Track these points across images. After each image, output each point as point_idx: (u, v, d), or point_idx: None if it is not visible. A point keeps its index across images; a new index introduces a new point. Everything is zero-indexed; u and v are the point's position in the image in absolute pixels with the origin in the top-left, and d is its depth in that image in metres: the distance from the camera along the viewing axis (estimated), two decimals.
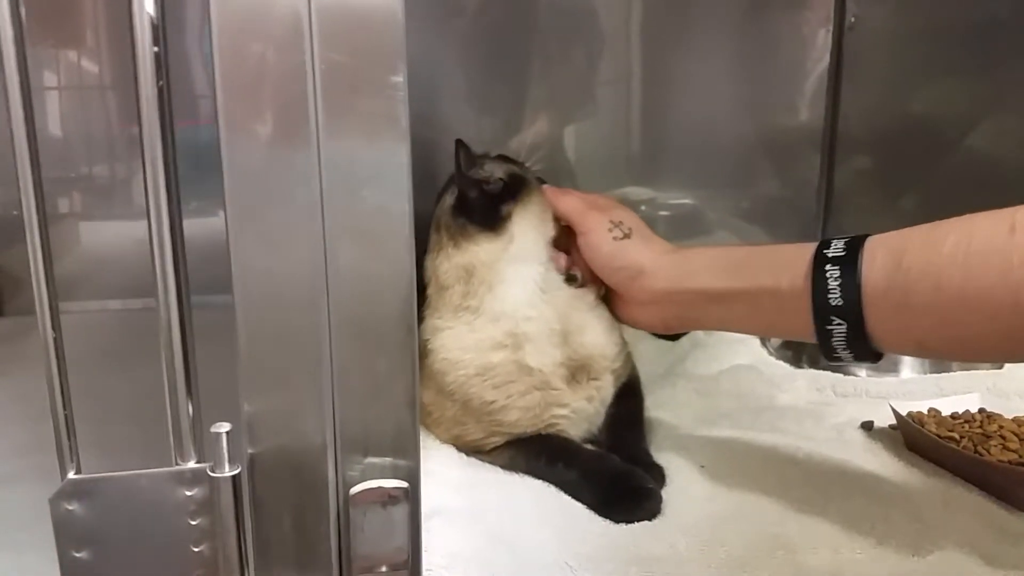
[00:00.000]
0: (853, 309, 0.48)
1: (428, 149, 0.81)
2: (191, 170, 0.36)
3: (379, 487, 0.36)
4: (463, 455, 0.63)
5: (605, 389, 0.65)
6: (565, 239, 0.65)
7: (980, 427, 0.64)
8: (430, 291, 0.64)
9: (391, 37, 0.33)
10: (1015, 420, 0.65)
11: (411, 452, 0.37)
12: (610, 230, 0.61)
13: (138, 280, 0.37)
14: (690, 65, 0.98)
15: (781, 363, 0.82)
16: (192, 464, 0.36)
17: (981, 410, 0.68)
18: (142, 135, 0.33)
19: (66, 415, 0.35)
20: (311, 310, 0.35)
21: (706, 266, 0.58)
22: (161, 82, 0.32)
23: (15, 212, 0.32)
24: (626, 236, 0.61)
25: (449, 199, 0.66)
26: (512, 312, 0.62)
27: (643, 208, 0.98)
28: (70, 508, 0.35)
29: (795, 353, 0.84)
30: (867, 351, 0.49)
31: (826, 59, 0.98)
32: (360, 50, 0.33)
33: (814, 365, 0.81)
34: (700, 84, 0.99)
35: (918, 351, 0.54)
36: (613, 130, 1.00)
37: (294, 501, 0.36)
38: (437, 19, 0.90)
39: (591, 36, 0.96)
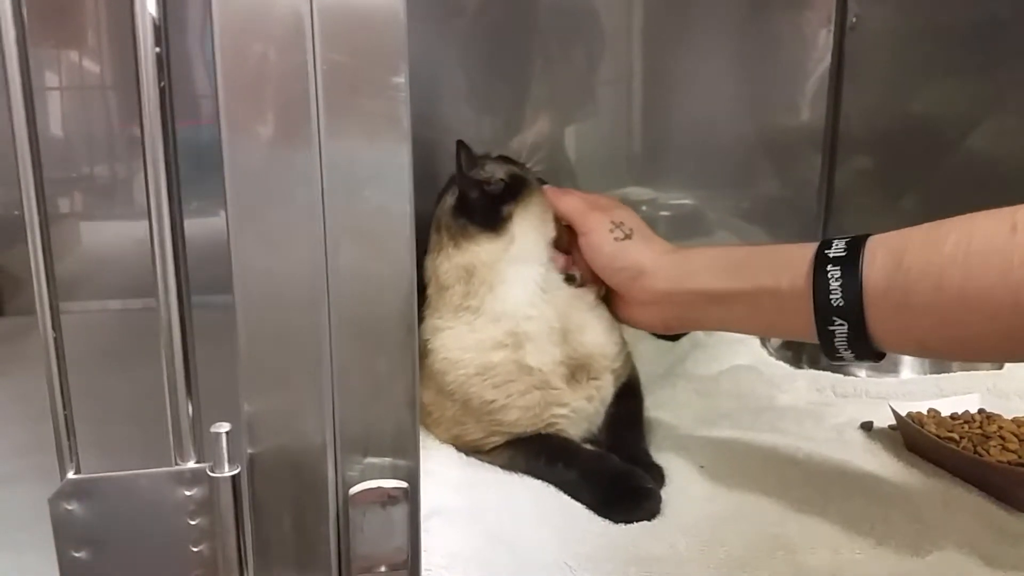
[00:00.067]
0: (854, 309, 0.48)
1: (428, 149, 0.81)
2: (192, 170, 0.36)
3: (379, 487, 0.36)
4: (463, 455, 0.63)
5: (605, 389, 0.65)
6: (566, 239, 0.65)
7: (980, 428, 0.65)
8: (430, 291, 0.64)
9: (393, 37, 0.33)
10: (1015, 421, 0.65)
11: (411, 452, 0.37)
12: (611, 230, 0.61)
13: (139, 280, 0.37)
14: (691, 65, 0.98)
15: (781, 363, 0.82)
16: (192, 464, 0.36)
17: (981, 411, 0.68)
18: (143, 135, 0.33)
19: (66, 415, 0.35)
20: (311, 310, 0.35)
21: (706, 266, 0.58)
22: (163, 82, 0.32)
23: (16, 212, 0.33)
24: (627, 236, 0.61)
25: (450, 199, 0.66)
26: (513, 312, 0.62)
27: (644, 208, 0.98)
28: (69, 508, 0.35)
29: (795, 353, 0.84)
30: (868, 351, 0.49)
31: (827, 59, 0.98)
32: (361, 50, 0.33)
33: (814, 365, 0.81)
34: (701, 84, 0.99)
35: (919, 351, 0.54)
36: (614, 130, 1.00)
37: (294, 501, 0.36)
38: (438, 19, 0.90)
39: (592, 36, 0.96)
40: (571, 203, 0.64)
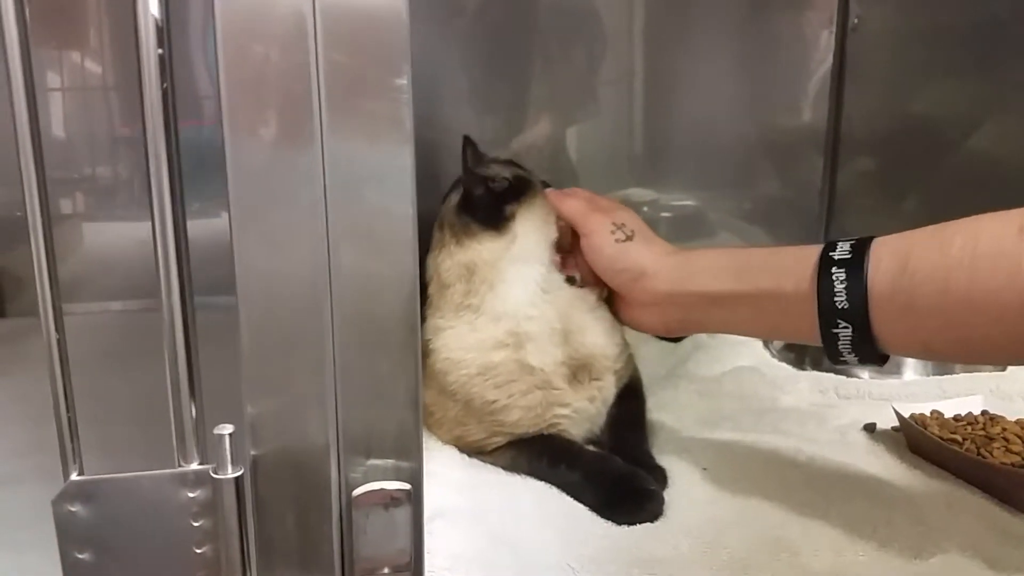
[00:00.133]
0: (859, 312, 0.47)
1: (429, 149, 0.81)
2: (195, 171, 0.36)
3: (382, 489, 0.36)
4: (465, 456, 0.63)
5: (607, 389, 0.65)
6: (568, 241, 0.65)
7: (983, 429, 0.64)
8: (431, 290, 0.64)
9: (395, 38, 0.33)
10: (1018, 422, 0.65)
11: (414, 454, 0.37)
12: (612, 232, 0.61)
13: (141, 281, 0.37)
14: (692, 66, 0.98)
15: (784, 365, 0.82)
16: (195, 466, 0.36)
17: (984, 412, 0.68)
18: (146, 136, 0.33)
19: (69, 416, 0.35)
20: (314, 311, 0.35)
21: (708, 268, 0.57)
22: (165, 83, 0.32)
23: (18, 213, 0.32)
24: (628, 238, 0.61)
25: (454, 197, 0.66)
26: (513, 311, 0.62)
27: (645, 209, 0.98)
28: (73, 509, 0.35)
29: (798, 355, 0.83)
30: (873, 354, 0.49)
31: (829, 60, 0.98)
32: (364, 51, 0.33)
33: (817, 367, 0.81)
34: (703, 85, 0.99)
35: (924, 353, 0.54)
36: (615, 131, 1.00)
37: (297, 503, 0.36)
38: (439, 20, 0.90)
39: (593, 36, 0.96)
40: (572, 205, 0.64)
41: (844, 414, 0.71)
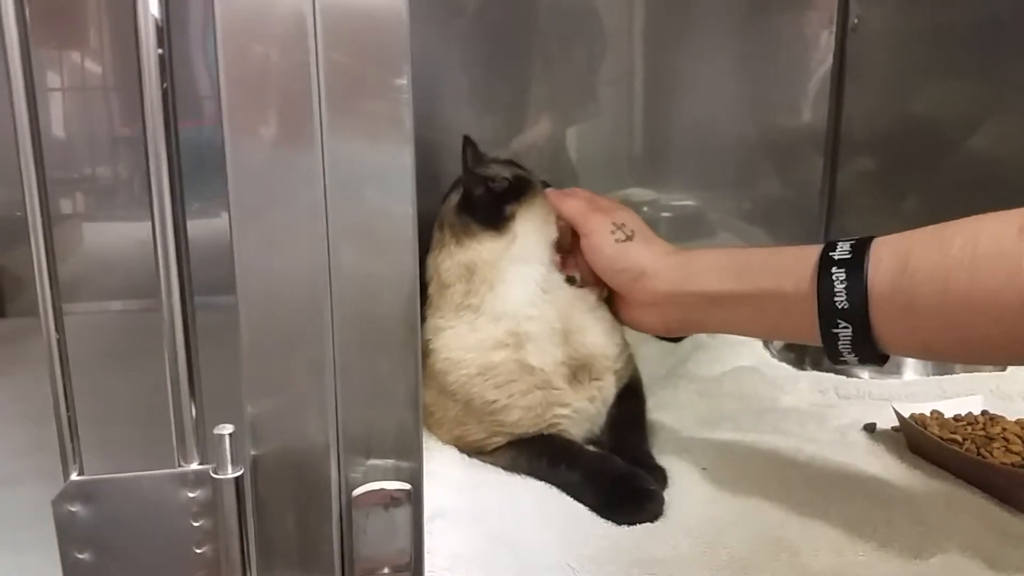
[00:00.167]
0: (859, 312, 0.47)
1: (429, 149, 0.81)
2: (194, 171, 0.36)
3: (382, 489, 0.36)
4: (465, 456, 0.63)
5: (607, 389, 0.65)
6: (568, 241, 0.65)
7: (983, 429, 0.64)
8: (431, 290, 0.64)
9: (395, 38, 0.33)
10: (1018, 422, 0.65)
11: (414, 454, 0.37)
12: (612, 232, 0.61)
13: (141, 281, 0.37)
14: (693, 66, 0.98)
15: (783, 365, 0.82)
16: (195, 466, 0.36)
17: (984, 412, 0.68)
18: (146, 136, 0.33)
19: (69, 416, 0.35)
20: (314, 311, 0.35)
21: (709, 268, 0.57)
22: (165, 84, 0.32)
23: (18, 213, 0.32)
24: (628, 238, 0.61)
25: (455, 197, 0.66)
26: (513, 312, 0.62)
27: (645, 209, 0.98)
28: (73, 509, 0.35)
29: (798, 355, 0.83)
30: (872, 354, 0.49)
31: (829, 60, 0.98)
32: (364, 51, 0.33)
33: (816, 367, 0.81)
34: (703, 85, 0.99)
35: (924, 353, 0.54)
36: (615, 131, 1.00)
37: (297, 503, 0.36)
38: (439, 20, 0.90)
39: (593, 36, 0.96)
40: (572, 204, 0.64)
41: (844, 414, 0.71)
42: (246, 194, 0.33)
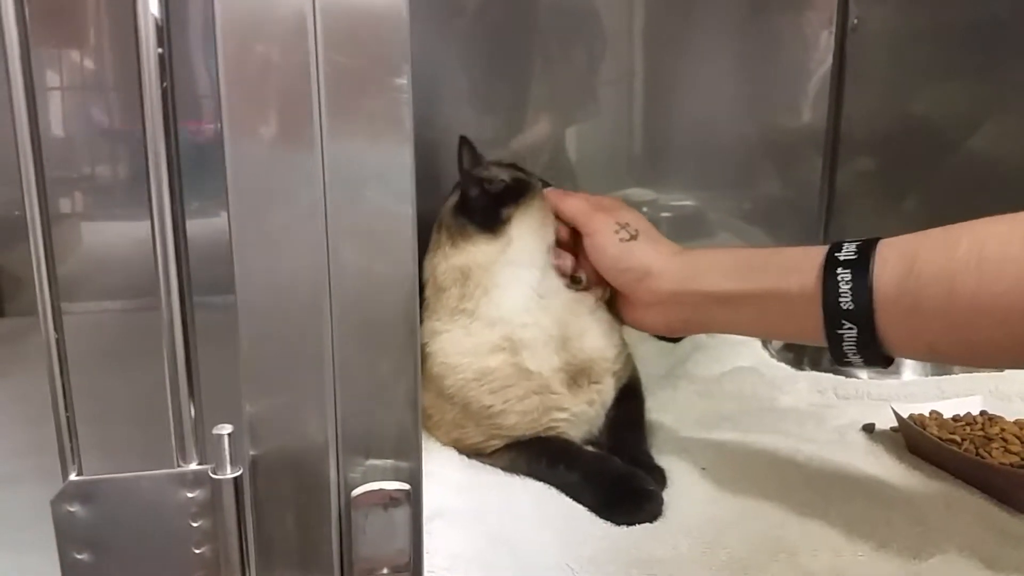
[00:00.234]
0: (864, 313, 0.47)
1: (429, 149, 0.81)
2: (194, 170, 0.35)
3: (381, 489, 0.36)
4: (464, 457, 0.63)
5: (606, 392, 0.65)
6: (572, 241, 0.65)
7: (982, 430, 0.64)
8: (428, 292, 0.64)
9: (395, 38, 0.33)
10: (1016, 423, 0.65)
11: (413, 454, 0.37)
12: (616, 231, 0.61)
13: (140, 281, 0.37)
14: (692, 66, 0.98)
15: (782, 365, 0.82)
16: (194, 466, 0.36)
17: (983, 412, 0.68)
18: (145, 135, 0.33)
19: (68, 416, 0.35)
20: (313, 311, 0.35)
21: (714, 268, 0.57)
22: (165, 83, 0.32)
23: (17, 212, 0.32)
24: (632, 237, 0.61)
25: (453, 199, 0.66)
26: (508, 317, 0.61)
27: (645, 210, 0.98)
28: (72, 509, 0.35)
29: (796, 355, 0.83)
30: (877, 355, 0.49)
31: (828, 60, 0.98)
32: (364, 51, 0.33)
33: (815, 367, 0.81)
34: (702, 85, 0.99)
35: (929, 355, 0.54)
36: (615, 131, 1.00)
37: (296, 503, 0.36)
38: (438, 19, 0.90)
39: (593, 36, 0.96)
40: (575, 204, 0.63)
41: (843, 414, 0.71)
42: (245, 193, 0.33)
